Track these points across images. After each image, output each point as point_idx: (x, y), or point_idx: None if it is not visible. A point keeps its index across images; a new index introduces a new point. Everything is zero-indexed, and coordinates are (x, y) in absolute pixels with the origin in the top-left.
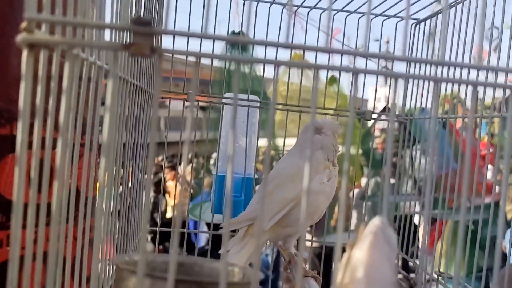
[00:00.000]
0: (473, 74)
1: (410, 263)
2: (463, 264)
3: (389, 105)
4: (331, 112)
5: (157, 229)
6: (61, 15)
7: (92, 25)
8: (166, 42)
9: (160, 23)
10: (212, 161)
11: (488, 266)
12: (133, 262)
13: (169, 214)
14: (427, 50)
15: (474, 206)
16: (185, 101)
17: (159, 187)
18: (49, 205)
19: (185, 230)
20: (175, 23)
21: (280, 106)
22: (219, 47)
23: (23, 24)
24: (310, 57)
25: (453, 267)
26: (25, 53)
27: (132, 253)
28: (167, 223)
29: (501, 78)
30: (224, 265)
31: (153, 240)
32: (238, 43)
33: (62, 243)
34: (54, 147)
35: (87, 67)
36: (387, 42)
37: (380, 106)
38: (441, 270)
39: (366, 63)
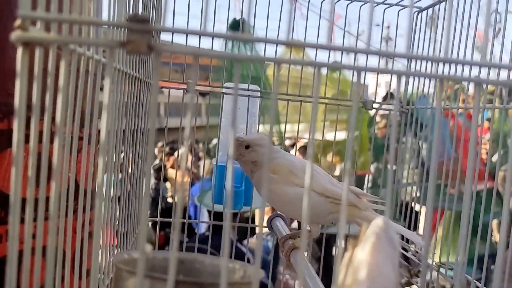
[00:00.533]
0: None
1: (409, 252)
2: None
3: (391, 91)
4: (333, 101)
5: (158, 219)
6: (56, 12)
7: (87, 22)
8: (165, 33)
9: (158, 17)
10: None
11: (485, 253)
12: (132, 261)
13: (170, 200)
14: (430, 36)
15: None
16: (185, 90)
17: (160, 174)
18: (48, 200)
19: (185, 220)
20: (174, 8)
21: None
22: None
23: (17, 22)
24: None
25: (453, 254)
26: (19, 51)
27: (131, 251)
28: (170, 208)
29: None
30: (225, 264)
31: (154, 226)
32: (238, 40)
33: (61, 237)
34: (52, 141)
35: (84, 61)
36: (388, 27)
37: (381, 92)
38: (440, 256)
39: (367, 58)
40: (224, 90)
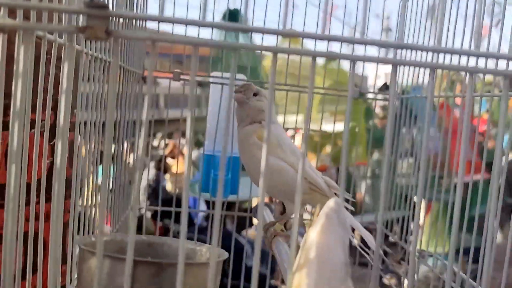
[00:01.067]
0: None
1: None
2: (441, 241)
3: (388, 83)
4: (330, 91)
5: (144, 208)
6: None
7: (45, 8)
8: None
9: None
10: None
11: (474, 245)
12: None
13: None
14: (430, 24)
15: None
16: (171, 79)
17: (161, 164)
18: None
19: (171, 208)
20: None
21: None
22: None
23: None
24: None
25: (435, 244)
26: None
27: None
28: (170, 199)
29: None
30: (182, 246)
31: (153, 217)
32: (236, 30)
33: (32, 224)
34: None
35: (55, 48)
36: (388, 18)
37: (380, 83)
38: (423, 246)
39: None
40: (211, 80)
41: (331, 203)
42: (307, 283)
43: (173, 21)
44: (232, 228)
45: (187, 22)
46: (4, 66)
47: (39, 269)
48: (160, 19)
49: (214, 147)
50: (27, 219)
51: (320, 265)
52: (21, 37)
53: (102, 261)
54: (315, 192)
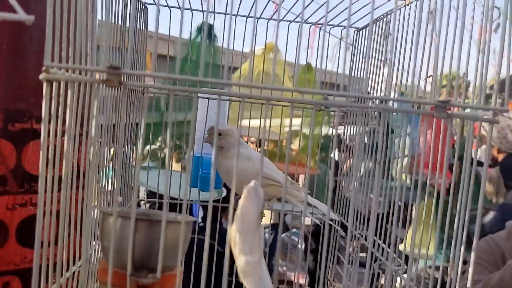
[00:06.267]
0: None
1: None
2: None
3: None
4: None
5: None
6: (65, 60)
7: (82, 69)
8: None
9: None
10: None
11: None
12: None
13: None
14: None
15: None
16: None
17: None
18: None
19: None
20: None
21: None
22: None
23: (44, 68)
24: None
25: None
26: (44, 85)
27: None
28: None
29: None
30: (166, 212)
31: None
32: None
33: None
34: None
35: (94, 85)
36: (388, 22)
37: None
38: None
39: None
40: (199, 94)
41: (252, 183)
42: (235, 229)
43: (171, 78)
44: (226, 225)
45: (183, 79)
46: (57, 103)
47: (71, 237)
48: (156, 76)
49: (202, 150)
50: (58, 202)
51: (242, 219)
52: (65, 84)
53: (117, 219)
54: (272, 185)
